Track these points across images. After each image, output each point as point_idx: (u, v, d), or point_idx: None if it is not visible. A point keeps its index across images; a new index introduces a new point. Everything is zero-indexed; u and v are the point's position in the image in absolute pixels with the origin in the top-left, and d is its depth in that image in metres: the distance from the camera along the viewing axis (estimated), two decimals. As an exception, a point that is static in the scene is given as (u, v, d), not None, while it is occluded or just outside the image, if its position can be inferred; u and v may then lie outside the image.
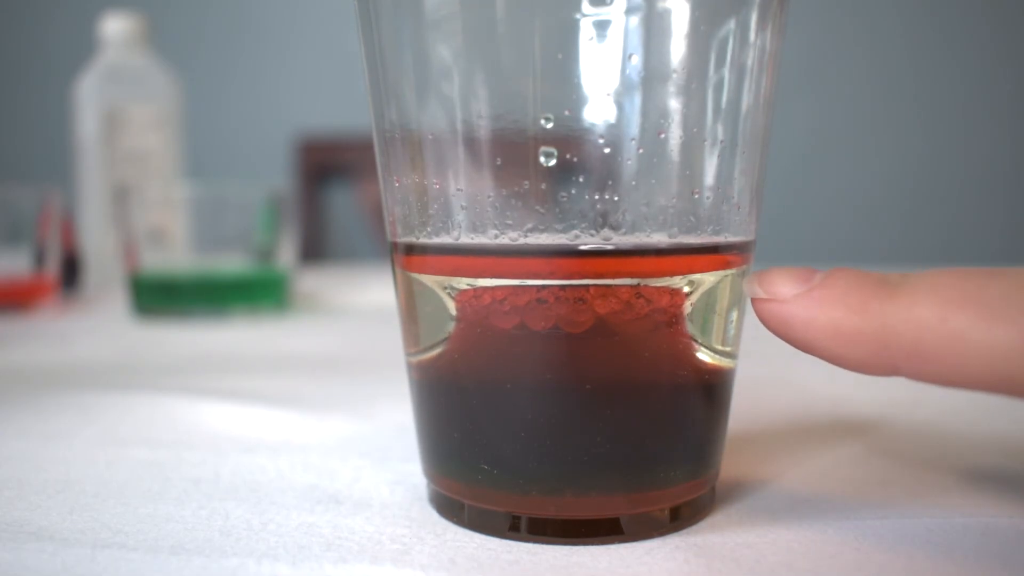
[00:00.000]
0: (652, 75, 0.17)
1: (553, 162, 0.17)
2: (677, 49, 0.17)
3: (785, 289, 0.18)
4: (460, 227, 0.19)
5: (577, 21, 0.17)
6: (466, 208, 0.18)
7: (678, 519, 0.19)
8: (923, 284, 0.16)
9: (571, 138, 0.17)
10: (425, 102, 0.19)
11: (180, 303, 0.57)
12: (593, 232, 0.18)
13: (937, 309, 0.15)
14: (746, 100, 0.19)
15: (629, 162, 0.18)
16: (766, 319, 0.18)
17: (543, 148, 0.17)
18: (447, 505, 0.20)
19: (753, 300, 0.18)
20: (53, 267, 0.63)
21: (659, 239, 0.18)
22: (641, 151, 0.18)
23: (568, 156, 0.17)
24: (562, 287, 0.18)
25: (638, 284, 0.18)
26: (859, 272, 0.17)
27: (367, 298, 0.69)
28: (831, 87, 1.42)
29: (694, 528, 0.19)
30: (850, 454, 0.25)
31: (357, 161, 1.43)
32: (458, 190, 0.18)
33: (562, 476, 0.18)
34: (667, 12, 0.17)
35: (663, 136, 0.18)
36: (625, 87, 0.17)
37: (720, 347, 0.20)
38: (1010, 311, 0.15)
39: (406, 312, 0.21)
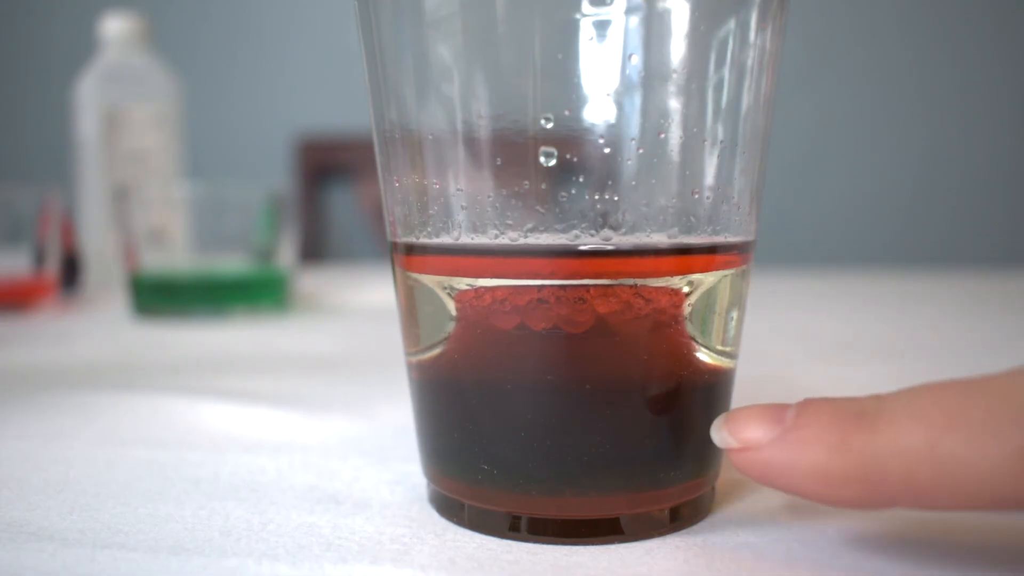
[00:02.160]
0: (652, 75, 0.17)
1: (553, 162, 0.17)
2: (677, 49, 0.17)
3: (757, 434, 0.17)
4: (460, 227, 0.19)
5: (577, 21, 0.17)
6: (466, 208, 0.18)
7: (678, 519, 0.19)
8: (902, 409, 0.15)
9: (571, 138, 0.17)
10: (425, 102, 0.19)
11: (180, 303, 0.57)
12: (593, 232, 0.18)
13: (923, 436, 0.15)
14: (746, 100, 0.19)
15: (629, 162, 0.18)
16: (744, 469, 0.17)
17: (543, 148, 0.17)
18: (447, 505, 0.20)
19: (727, 450, 0.17)
20: (53, 267, 0.63)
21: (659, 239, 0.18)
22: (641, 151, 0.18)
23: (568, 156, 0.17)
24: (562, 287, 0.18)
25: (638, 284, 0.18)
26: (831, 403, 0.16)
27: (367, 298, 0.69)
28: (831, 87, 1.42)
29: (694, 528, 0.19)
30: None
31: (357, 161, 1.43)
32: (458, 190, 0.18)
33: (562, 476, 0.18)
34: (667, 12, 0.17)
35: (663, 136, 0.18)
36: (625, 87, 0.17)
37: (720, 347, 0.20)
38: (998, 427, 0.14)
39: (406, 312, 0.21)
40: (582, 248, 0.18)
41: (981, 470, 0.14)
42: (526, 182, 0.18)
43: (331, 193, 1.54)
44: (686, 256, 0.19)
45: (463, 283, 0.19)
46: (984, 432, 0.14)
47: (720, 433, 0.17)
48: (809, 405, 0.16)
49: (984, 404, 0.14)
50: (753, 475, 0.17)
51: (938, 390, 0.15)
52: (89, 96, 0.76)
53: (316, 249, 1.46)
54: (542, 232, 0.18)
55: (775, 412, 0.17)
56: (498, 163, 0.18)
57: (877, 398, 0.16)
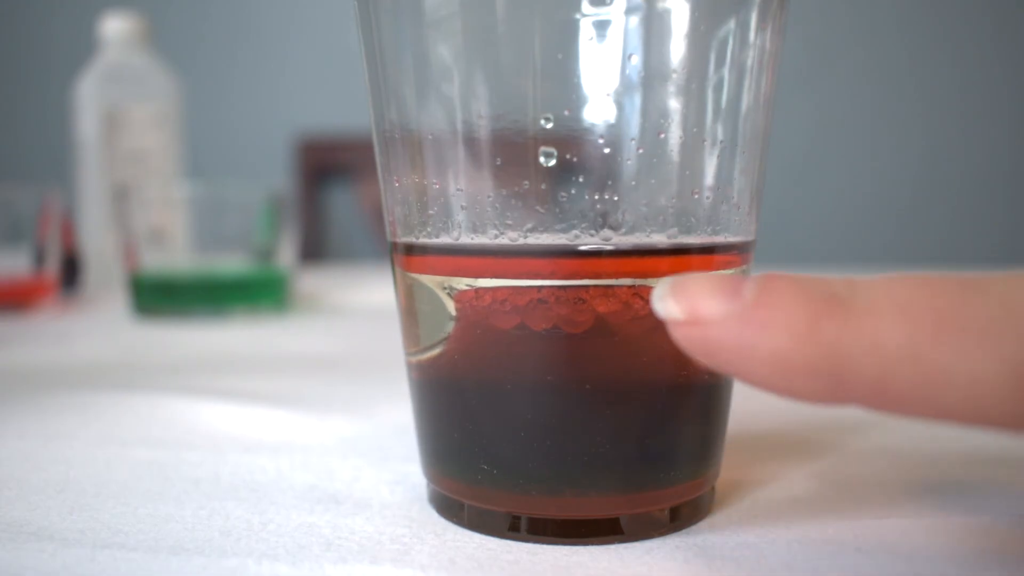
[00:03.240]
0: (652, 75, 0.17)
1: (553, 162, 0.17)
2: (677, 49, 0.17)
3: (710, 307, 0.14)
4: (460, 227, 0.19)
5: (577, 21, 0.17)
6: (466, 208, 0.18)
7: (678, 519, 0.19)
8: (883, 299, 0.13)
9: (571, 138, 0.17)
10: (425, 102, 0.19)
11: (180, 303, 0.57)
12: (593, 232, 0.18)
13: (906, 335, 0.13)
14: (746, 100, 0.19)
15: (629, 162, 0.18)
16: (689, 345, 0.15)
17: (543, 148, 0.17)
18: (447, 505, 0.20)
19: (669, 322, 0.15)
20: (53, 267, 0.63)
21: (659, 239, 0.18)
22: (641, 151, 0.18)
23: (568, 156, 0.17)
24: (562, 287, 0.18)
25: (638, 284, 0.18)
26: (799, 281, 0.14)
27: (367, 298, 0.69)
28: (831, 87, 1.42)
29: (694, 528, 0.19)
30: (850, 454, 0.25)
31: (357, 161, 1.43)
32: (458, 190, 0.18)
33: (562, 476, 0.18)
34: (667, 12, 0.17)
35: (663, 136, 0.18)
36: (625, 87, 0.17)
37: (720, 347, 0.20)
38: (998, 337, 0.12)
39: (406, 312, 0.21)
40: (582, 248, 0.18)
41: (970, 382, 0.13)
42: (526, 182, 0.18)
43: (331, 193, 1.54)
44: (686, 256, 0.19)
45: (463, 283, 0.19)
46: (981, 340, 0.12)
47: (664, 301, 0.15)
48: (773, 281, 0.14)
49: (981, 309, 0.13)
50: (698, 354, 0.15)
51: (926, 284, 0.13)
52: (89, 96, 0.76)
53: (316, 249, 1.46)
54: (542, 232, 0.18)
55: (731, 284, 0.14)
56: (498, 163, 0.18)
57: (852, 282, 0.14)
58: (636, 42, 0.17)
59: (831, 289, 0.14)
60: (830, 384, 0.14)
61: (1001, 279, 0.13)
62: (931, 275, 0.14)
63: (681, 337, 0.15)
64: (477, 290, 0.19)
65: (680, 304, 0.15)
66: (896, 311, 0.13)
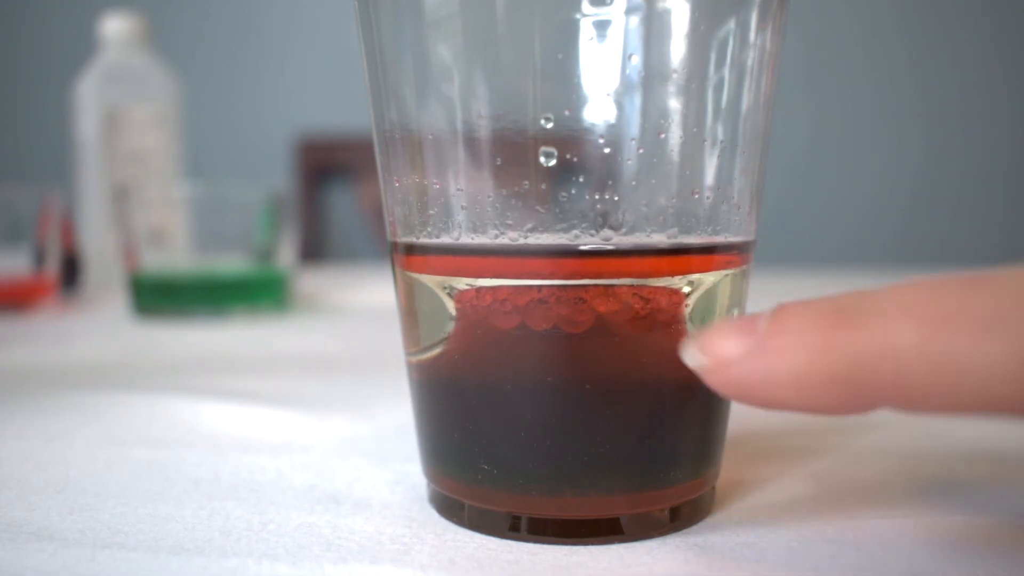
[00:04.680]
0: (652, 75, 0.17)
1: (553, 162, 0.17)
2: (677, 49, 0.17)
3: (730, 348, 0.15)
4: (460, 227, 0.19)
5: (577, 21, 0.17)
6: (466, 208, 0.18)
7: (678, 519, 0.19)
8: (890, 304, 0.14)
9: (571, 138, 0.17)
10: (425, 102, 0.19)
11: (180, 303, 0.57)
12: (593, 232, 0.18)
13: (916, 333, 0.13)
14: (746, 100, 0.19)
15: (629, 162, 0.18)
16: (720, 388, 0.16)
17: (543, 148, 0.17)
18: (447, 505, 0.20)
19: (700, 371, 0.16)
20: (53, 267, 0.63)
21: (659, 239, 0.18)
22: (641, 151, 0.18)
23: (568, 156, 0.17)
24: (562, 287, 0.18)
25: (638, 284, 0.18)
26: (808, 304, 0.15)
27: (367, 298, 0.69)
28: (831, 87, 1.42)
29: (694, 528, 0.19)
30: (850, 454, 0.25)
31: (357, 161, 1.43)
32: (458, 190, 0.18)
33: (562, 476, 0.18)
34: (667, 12, 0.17)
35: (663, 136, 0.18)
36: (625, 87, 0.17)
37: (720, 347, 0.20)
38: (1005, 325, 0.13)
39: (406, 312, 0.21)
40: (582, 248, 0.18)
41: (982, 371, 0.13)
42: (526, 182, 0.18)
43: (331, 193, 1.54)
44: (686, 256, 0.19)
45: (463, 283, 0.19)
46: (988, 330, 0.13)
47: (693, 355, 0.16)
48: (783, 309, 0.15)
49: (988, 301, 0.13)
50: (730, 394, 0.16)
51: (935, 285, 0.14)
52: (89, 96, 0.76)
53: (316, 249, 1.46)
54: (542, 232, 0.18)
55: (747, 323, 0.15)
56: (498, 163, 0.18)
57: (859, 294, 0.14)
58: (636, 42, 0.17)
59: (838, 303, 0.14)
60: (851, 391, 0.14)
61: (1004, 273, 0.14)
62: (940, 277, 0.14)
63: (714, 383, 0.16)
64: (477, 290, 0.19)
65: (705, 352, 0.16)
66: (904, 312, 0.14)
